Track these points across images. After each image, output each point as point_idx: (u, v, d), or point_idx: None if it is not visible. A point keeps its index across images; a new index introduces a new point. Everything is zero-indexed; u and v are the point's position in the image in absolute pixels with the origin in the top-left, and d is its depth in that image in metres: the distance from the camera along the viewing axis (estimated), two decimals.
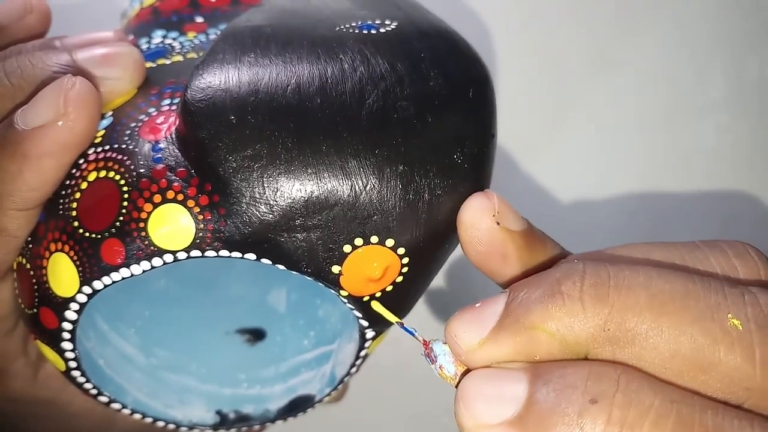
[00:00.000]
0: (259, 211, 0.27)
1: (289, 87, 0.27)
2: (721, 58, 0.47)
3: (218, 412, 0.36)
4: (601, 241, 0.47)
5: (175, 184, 0.27)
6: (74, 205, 0.29)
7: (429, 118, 0.28)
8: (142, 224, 0.27)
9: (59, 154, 0.28)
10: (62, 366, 0.31)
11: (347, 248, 0.27)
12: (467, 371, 0.25)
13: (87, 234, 0.28)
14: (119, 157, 0.29)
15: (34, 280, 0.29)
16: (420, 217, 0.28)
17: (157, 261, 0.28)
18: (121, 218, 0.28)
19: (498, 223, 0.27)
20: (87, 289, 0.28)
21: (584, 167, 0.49)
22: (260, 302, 0.39)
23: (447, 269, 0.32)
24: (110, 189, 0.28)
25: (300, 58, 0.29)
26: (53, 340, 0.30)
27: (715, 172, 0.48)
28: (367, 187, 0.27)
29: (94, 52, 0.31)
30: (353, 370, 0.34)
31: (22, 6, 0.35)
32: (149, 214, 0.27)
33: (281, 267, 0.28)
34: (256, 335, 0.39)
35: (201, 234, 0.27)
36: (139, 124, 0.30)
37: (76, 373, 0.32)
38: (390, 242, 0.28)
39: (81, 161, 0.29)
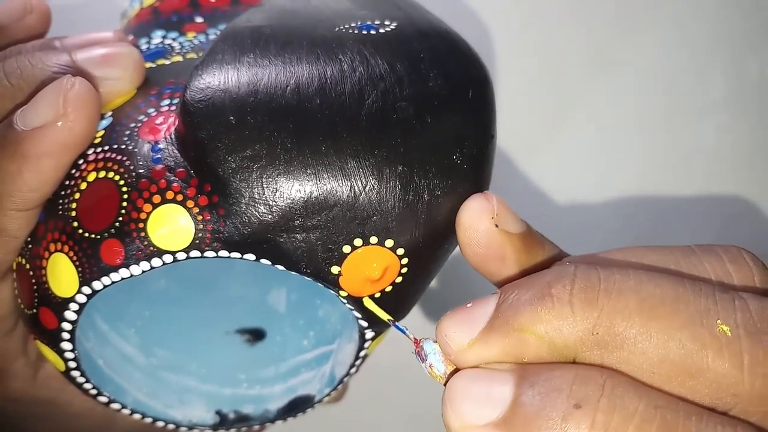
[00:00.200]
0: (258, 212, 0.27)
1: (289, 87, 0.27)
2: (721, 58, 0.47)
3: (218, 412, 0.36)
4: (600, 241, 0.47)
5: (175, 184, 0.27)
6: (74, 205, 0.29)
7: (428, 119, 0.28)
8: (141, 225, 0.27)
9: (59, 154, 0.28)
10: (62, 366, 0.31)
11: (346, 249, 0.28)
12: (457, 370, 0.25)
13: (86, 234, 0.28)
14: (119, 157, 0.29)
15: (33, 281, 0.29)
16: (419, 218, 0.28)
17: (156, 261, 0.28)
18: (121, 219, 0.28)
19: (497, 225, 0.27)
20: (86, 290, 0.28)
21: (584, 167, 0.49)
22: (260, 302, 0.39)
23: (446, 269, 0.32)
24: (110, 189, 0.28)
25: (299, 58, 0.29)
26: (53, 340, 0.30)
27: (715, 172, 0.48)
28: (367, 188, 0.27)
29: (94, 53, 0.31)
30: (353, 370, 0.34)
31: (22, 6, 0.35)
32: (149, 214, 0.27)
33: (280, 267, 0.28)
34: (256, 335, 0.39)
35: (200, 234, 0.27)
36: (139, 125, 0.30)
37: (75, 374, 0.32)
38: (389, 243, 0.28)
39: (80, 161, 0.29)
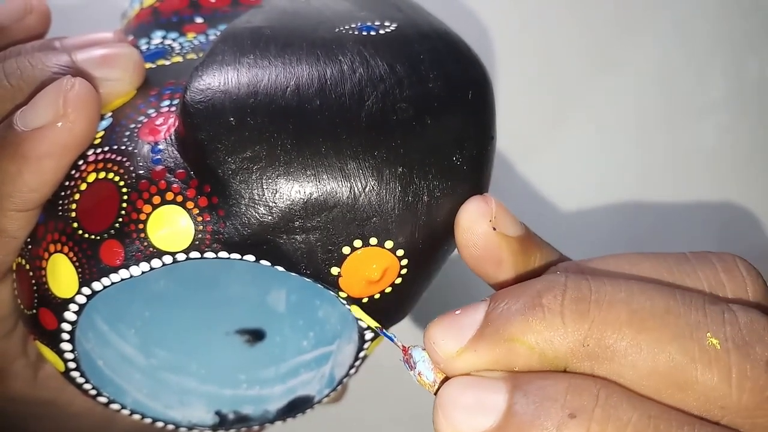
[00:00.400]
0: (258, 213, 0.27)
1: (289, 88, 0.27)
2: (721, 58, 0.47)
3: (218, 413, 0.36)
4: (600, 241, 0.47)
5: (174, 185, 0.27)
6: (73, 206, 0.29)
7: (428, 120, 0.28)
8: (141, 225, 0.27)
9: (59, 155, 0.28)
10: (61, 367, 0.31)
11: (346, 250, 0.28)
12: (446, 379, 0.25)
13: (86, 235, 0.28)
14: (118, 158, 0.29)
15: (33, 281, 0.29)
16: (419, 219, 0.28)
17: (156, 262, 0.28)
18: (121, 219, 0.28)
19: (494, 228, 0.27)
20: (86, 290, 0.28)
21: (583, 168, 0.49)
22: (260, 303, 0.39)
23: (446, 269, 0.32)
24: (109, 190, 0.28)
25: (299, 59, 0.29)
26: (52, 340, 0.30)
27: (715, 172, 0.48)
28: (366, 189, 0.27)
29: (94, 53, 0.31)
30: (352, 371, 0.34)
31: (22, 7, 0.35)
32: (148, 215, 0.27)
33: (280, 268, 0.28)
34: (256, 336, 0.39)
35: (200, 235, 0.27)
36: (139, 126, 0.30)
37: (75, 374, 0.32)
38: (389, 244, 0.28)
39: (80, 162, 0.29)
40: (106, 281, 0.28)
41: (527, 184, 0.48)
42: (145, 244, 0.27)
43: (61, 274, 0.28)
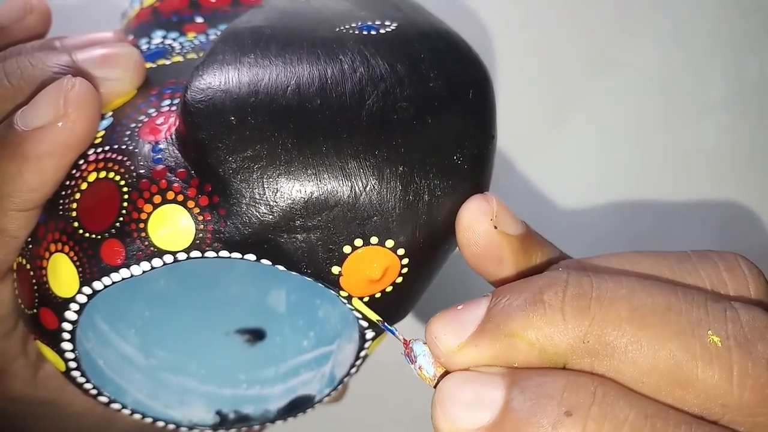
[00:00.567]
0: (259, 212, 0.27)
1: (289, 88, 0.27)
2: (721, 58, 0.47)
3: (218, 413, 0.36)
4: (600, 241, 0.47)
5: (175, 184, 0.27)
6: (74, 205, 0.29)
7: (429, 119, 0.28)
8: (142, 225, 0.27)
9: (59, 154, 0.28)
10: (62, 366, 0.31)
11: (347, 249, 0.28)
12: (446, 373, 0.25)
13: (87, 234, 0.28)
14: (119, 157, 0.29)
15: (34, 281, 0.29)
16: (420, 218, 0.28)
17: (157, 261, 0.28)
18: (121, 219, 0.28)
19: (495, 227, 0.27)
20: (87, 290, 0.28)
21: (583, 168, 0.49)
22: (260, 303, 0.39)
23: (447, 267, 0.32)
24: (110, 190, 0.28)
25: (300, 59, 0.29)
26: (53, 340, 0.30)
27: (715, 172, 0.48)
28: (367, 188, 0.27)
29: (94, 53, 0.31)
30: (353, 370, 0.34)
31: (22, 6, 0.35)
32: (149, 214, 0.27)
33: (281, 268, 0.28)
34: (256, 336, 0.39)
35: (201, 235, 0.27)
36: (139, 125, 0.30)
37: (75, 374, 0.32)
38: (390, 243, 0.28)
39: (81, 162, 0.29)
40: (106, 280, 0.28)
41: (527, 183, 0.48)
42: (146, 243, 0.27)
43: (62, 274, 0.28)
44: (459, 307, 0.25)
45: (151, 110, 0.30)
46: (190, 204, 0.27)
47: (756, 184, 0.47)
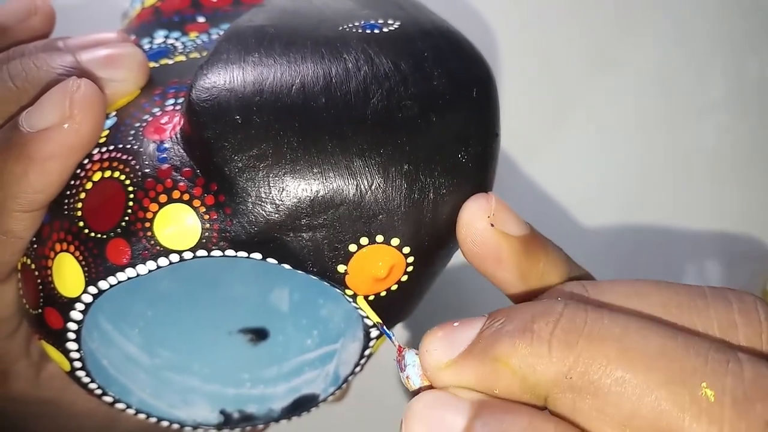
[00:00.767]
0: (265, 211, 0.27)
1: (294, 87, 0.27)
2: (721, 58, 0.47)
3: (222, 412, 0.36)
4: (600, 241, 0.48)
5: (181, 184, 0.27)
6: (79, 205, 0.29)
7: (433, 118, 0.28)
8: (148, 224, 0.27)
9: (65, 156, 0.28)
10: (67, 366, 0.31)
11: (353, 247, 0.28)
12: (431, 387, 0.25)
13: (92, 234, 0.28)
14: (124, 157, 0.29)
15: (39, 281, 0.29)
16: (425, 216, 0.28)
17: (163, 261, 0.28)
18: (127, 218, 0.28)
19: (493, 225, 0.27)
20: (92, 289, 0.28)
21: (584, 167, 0.49)
22: (262, 302, 0.39)
23: (449, 270, 0.32)
24: (115, 189, 0.28)
25: (304, 57, 0.29)
26: (58, 340, 0.30)
27: (715, 172, 0.48)
28: (373, 187, 0.27)
29: (98, 54, 0.31)
30: (357, 369, 0.34)
31: (26, 7, 0.35)
32: (155, 214, 0.27)
33: (287, 266, 0.28)
34: (259, 335, 0.39)
35: (207, 234, 0.27)
36: (144, 124, 0.30)
37: (80, 374, 0.32)
38: (395, 241, 0.28)
39: (86, 161, 0.29)
40: (112, 280, 0.28)
41: (528, 182, 0.48)
42: (152, 242, 0.27)
43: (67, 274, 0.28)
44: (455, 324, 0.25)
45: (155, 109, 0.30)
46: (196, 203, 0.27)
47: (756, 184, 0.47)
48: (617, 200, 0.49)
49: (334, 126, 0.27)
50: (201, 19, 0.35)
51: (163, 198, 0.27)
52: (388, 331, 0.28)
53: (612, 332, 0.22)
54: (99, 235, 0.28)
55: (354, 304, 0.29)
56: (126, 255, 0.28)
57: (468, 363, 0.24)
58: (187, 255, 0.28)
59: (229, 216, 0.27)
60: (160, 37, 0.35)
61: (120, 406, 0.34)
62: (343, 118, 0.27)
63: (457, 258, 0.30)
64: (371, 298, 0.29)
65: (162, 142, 0.29)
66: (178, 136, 0.29)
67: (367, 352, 0.33)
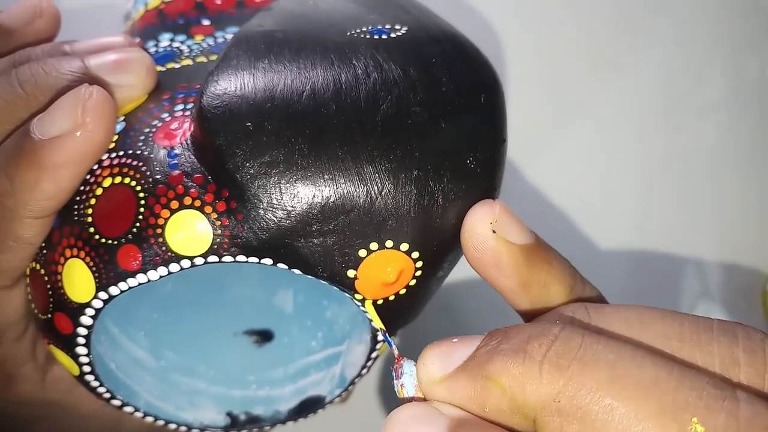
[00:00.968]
0: (276, 217, 0.27)
1: (305, 93, 0.28)
2: (721, 58, 0.48)
3: (229, 414, 0.36)
4: (600, 241, 0.48)
5: (192, 190, 0.28)
6: (90, 211, 0.29)
7: (442, 124, 0.28)
8: (159, 230, 0.27)
9: (77, 163, 0.28)
10: (76, 371, 0.31)
11: (363, 253, 0.28)
12: (423, 400, 0.25)
13: (103, 240, 0.28)
14: (134, 162, 0.29)
15: (48, 286, 0.29)
16: (434, 222, 0.28)
17: (174, 267, 0.28)
18: (138, 224, 0.28)
19: (494, 232, 0.27)
20: (103, 295, 0.28)
21: (585, 168, 0.49)
22: (267, 303, 0.39)
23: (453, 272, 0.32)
24: (126, 195, 0.28)
25: (314, 63, 0.29)
26: (68, 345, 0.30)
27: (716, 172, 0.48)
28: (383, 193, 0.27)
29: (107, 59, 0.31)
30: (364, 371, 0.34)
31: (31, 10, 0.35)
32: (167, 220, 0.27)
33: (297, 271, 0.28)
34: (264, 336, 0.39)
35: (218, 240, 0.27)
36: (153, 130, 0.30)
37: (89, 378, 0.32)
38: (404, 246, 0.28)
39: (96, 167, 0.29)
40: (123, 286, 0.28)
41: (529, 183, 0.48)
42: (164, 248, 0.27)
43: (78, 279, 0.28)
44: (454, 341, 0.25)
45: (165, 115, 0.30)
46: (208, 209, 0.27)
47: (756, 183, 0.47)
48: (618, 201, 0.49)
49: (344, 132, 0.27)
50: (206, 22, 0.35)
51: (174, 204, 0.27)
52: (389, 338, 0.28)
53: (605, 358, 0.22)
54: (110, 241, 0.28)
55: (362, 308, 0.30)
56: (137, 261, 0.28)
57: (460, 379, 0.24)
58: (199, 261, 0.28)
59: (240, 222, 0.27)
60: (165, 40, 0.35)
61: (128, 409, 0.34)
62: (353, 124, 0.27)
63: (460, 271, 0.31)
64: (380, 302, 0.29)
65: (172, 148, 0.29)
66: (189, 142, 0.29)
67: (373, 355, 0.33)
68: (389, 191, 0.27)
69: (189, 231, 0.27)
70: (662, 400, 0.21)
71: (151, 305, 0.37)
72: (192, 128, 0.29)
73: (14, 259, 0.30)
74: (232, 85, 0.28)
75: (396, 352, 0.27)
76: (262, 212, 0.27)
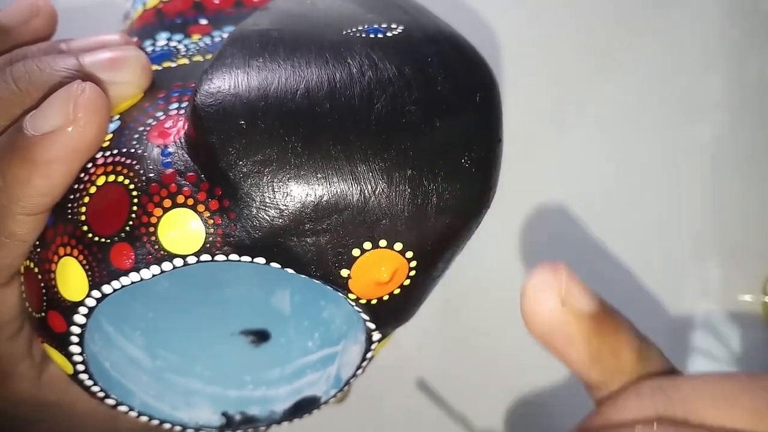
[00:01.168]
0: (269, 216, 0.27)
1: (299, 92, 0.27)
2: (721, 58, 0.48)
3: (224, 414, 0.36)
4: (600, 241, 0.48)
5: (185, 188, 0.27)
6: (83, 209, 0.29)
7: (437, 123, 0.28)
8: (152, 229, 0.27)
9: (69, 159, 0.28)
10: (70, 369, 0.31)
11: (356, 252, 0.28)
12: None
13: (96, 238, 0.28)
14: (128, 161, 0.29)
15: (42, 284, 0.29)
16: (428, 221, 0.28)
17: (166, 265, 0.28)
18: (131, 223, 0.28)
19: (564, 304, 0.25)
20: (96, 293, 0.28)
21: (584, 167, 0.49)
22: (264, 304, 0.39)
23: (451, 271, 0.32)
24: (119, 193, 0.28)
25: (308, 62, 0.29)
26: (61, 343, 0.30)
27: (716, 171, 0.48)
28: (376, 192, 0.27)
29: (102, 56, 0.31)
30: (359, 372, 0.34)
31: (28, 8, 0.35)
32: (159, 218, 0.27)
33: (290, 271, 0.28)
34: (261, 337, 0.39)
35: (211, 238, 0.27)
36: (148, 128, 0.30)
37: (83, 377, 0.32)
38: (398, 246, 0.28)
39: (89, 165, 0.29)
40: (116, 284, 0.28)
41: (529, 184, 0.48)
42: (156, 247, 0.27)
43: (71, 277, 0.28)
44: None
45: (159, 113, 0.30)
46: (200, 208, 0.27)
47: (756, 183, 0.47)
48: (617, 201, 0.49)
49: (338, 131, 0.27)
50: (203, 22, 0.35)
51: (167, 203, 0.27)
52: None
53: None
54: (103, 240, 0.28)
55: (356, 308, 0.29)
56: (130, 259, 0.28)
57: None
58: (191, 260, 0.28)
59: (233, 221, 0.27)
60: (162, 39, 0.35)
61: (122, 408, 0.34)
62: (347, 123, 0.27)
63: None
64: (374, 302, 0.29)
65: (166, 146, 0.29)
66: (183, 140, 0.28)
67: (368, 355, 0.33)
68: (383, 190, 0.27)
69: (182, 229, 0.27)
70: None
71: (146, 304, 0.37)
72: (186, 127, 0.29)
73: (7, 256, 0.30)
74: (226, 83, 0.28)
75: None
76: (255, 211, 0.27)
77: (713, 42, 0.48)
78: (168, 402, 0.36)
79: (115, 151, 0.29)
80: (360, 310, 0.30)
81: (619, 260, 0.48)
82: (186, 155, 0.28)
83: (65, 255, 0.29)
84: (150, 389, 0.35)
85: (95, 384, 0.32)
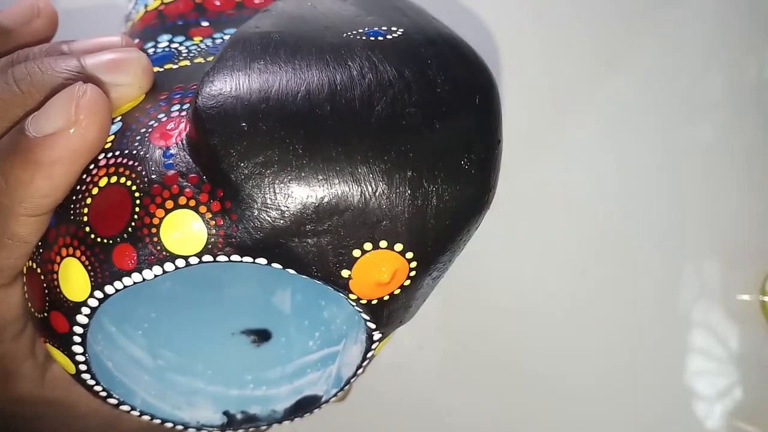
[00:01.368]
0: (270, 217, 0.27)
1: (300, 94, 0.28)
2: (720, 58, 0.48)
3: (225, 413, 0.36)
4: (599, 241, 0.48)
5: (187, 190, 0.28)
6: (85, 210, 0.29)
7: (437, 125, 0.28)
8: (154, 230, 0.28)
9: (71, 161, 0.28)
10: (72, 369, 0.32)
11: (357, 253, 0.28)
12: None
13: (99, 239, 0.28)
14: (130, 162, 0.29)
15: (44, 285, 0.30)
16: (428, 222, 0.28)
17: (169, 266, 0.28)
18: (133, 224, 0.28)
19: None
20: (98, 294, 0.28)
21: (584, 168, 0.49)
22: (265, 303, 0.40)
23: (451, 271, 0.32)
24: (122, 194, 0.28)
25: (309, 64, 0.29)
26: (64, 343, 0.30)
27: (715, 171, 0.48)
28: (377, 193, 0.27)
29: (103, 58, 0.31)
30: (360, 371, 0.34)
31: (29, 10, 0.35)
32: (161, 219, 0.28)
33: (291, 271, 0.28)
34: (262, 336, 0.39)
35: (213, 239, 0.27)
36: (149, 130, 0.30)
37: (86, 376, 0.32)
38: (398, 247, 0.28)
39: (92, 167, 0.29)
40: (118, 285, 0.28)
41: (529, 185, 0.48)
42: (158, 248, 0.28)
43: (74, 278, 0.29)
44: None
45: (161, 115, 0.30)
46: (202, 209, 0.27)
47: (755, 183, 0.47)
48: (617, 201, 0.49)
49: (338, 133, 0.27)
50: (205, 24, 0.35)
51: (169, 204, 0.28)
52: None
53: None
54: (105, 240, 0.28)
55: (357, 308, 0.30)
56: (132, 260, 0.28)
57: None
58: (193, 260, 0.28)
59: (234, 222, 0.27)
60: (164, 41, 0.35)
61: (124, 408, 0.34)
62: (347, 125, 0.27)
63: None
64: (374, 302, 0.29)
65: (168, 148, 0.29)
66: (184, 142, 0.29)
67: (369, 355, 0.33)
68: (383, 192, 0.27)
69: (184, 230, 0.27)
70: None
71: (149, 304, 0.37)
72: (187, 128, 0.29)
73: (10, 257, 0.30)
74: (228, 85, 0.28)
75: None
76: (257, 212, 0.27)
77: (713, 42, 0.48)
78: (170, 401, 0.36)
79: (117, 153, 0.29)
80: (360, 310, 0.30)
81: (619, 260, 0.48)
82: (188, 157, 0.28)
83: (68, 256, 0.29)
84: (152, 389, 0.35)
85: (97, 383, 0.32)
